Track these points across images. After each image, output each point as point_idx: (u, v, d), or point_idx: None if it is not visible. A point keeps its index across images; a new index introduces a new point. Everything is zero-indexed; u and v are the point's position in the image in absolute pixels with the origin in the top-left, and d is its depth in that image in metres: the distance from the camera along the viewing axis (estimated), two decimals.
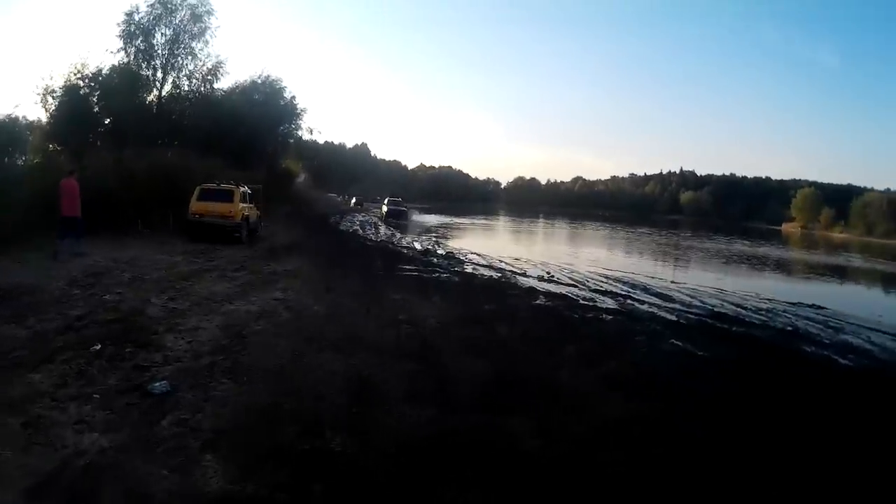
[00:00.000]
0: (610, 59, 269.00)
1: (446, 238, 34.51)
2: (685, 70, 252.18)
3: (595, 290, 15.78)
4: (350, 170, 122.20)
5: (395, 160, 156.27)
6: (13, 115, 28.09)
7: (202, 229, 19.06)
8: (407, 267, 17.53)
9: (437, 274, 16.65)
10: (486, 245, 30.81)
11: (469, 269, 18.64)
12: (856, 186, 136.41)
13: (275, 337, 8.31)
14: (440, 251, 23.68)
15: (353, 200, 73.61)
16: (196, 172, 22.71)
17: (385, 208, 53.16)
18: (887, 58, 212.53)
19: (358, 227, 35.26)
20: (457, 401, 6.32)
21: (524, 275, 18.16)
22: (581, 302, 13.64)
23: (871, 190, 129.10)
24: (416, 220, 54.07)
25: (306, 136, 46.53)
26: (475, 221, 62.96)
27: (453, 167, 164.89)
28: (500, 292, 14.28)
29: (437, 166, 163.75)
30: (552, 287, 15.86)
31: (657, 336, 10.62)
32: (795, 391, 8.08)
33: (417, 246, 25.09)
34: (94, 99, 31.03)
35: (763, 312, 14.71)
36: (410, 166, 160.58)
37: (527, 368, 7.72)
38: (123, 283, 11.16)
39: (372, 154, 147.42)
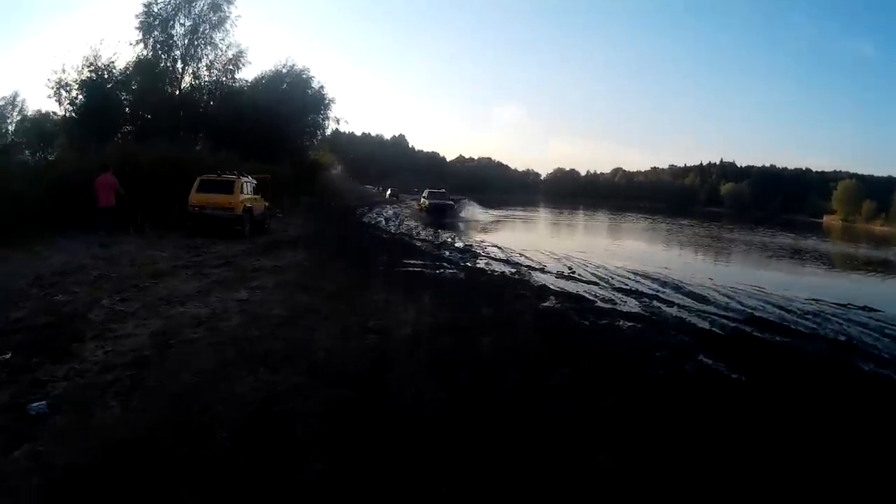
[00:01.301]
0: (649, 51, 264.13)
1: (473, 230, 32.83)
2: (724, 62, 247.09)
3: (618, 289, 13.85)
4: (387, 162, 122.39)
5: (433, 152, 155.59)
6: (44, 112, 28.79)
7: (202, 222, 18.37)
8: (412, 262, 16.08)
9: (442, 270, 15.09)
10: (513, 238, 29.07)
11: (482, 263, 16.96)
12: None
13: (206, 348, 7.08)
14: (458, 244, 22.08)
15: (388, 192, 74.09)
16: (209, 164, 22.01)
17: (425, 202, 42.89)
18: None
19: (382, 220, 33.91)
20: (375, 455, 4.71)
21: (542, 270, 16.31)
22: (597, 304, 11.74)
23: None
24: (466, 216, 43.75)
25: (334, 127, 46.20)
26: (512, 213, 59.95)
27: (493, 159, 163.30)
28: (506, 292, 12.56)
29: (476, 158, 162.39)
30: (569, 285, 14.02)
31: (682, 351, 8.65)
32: (860, 432, 6.21)
33: (436, 239, 23.53)
34: (115, 93, 31.08)
35: (810, 317, 12.66)
36: (449, 158, 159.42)
37: (496, 401, 5.96)
38: (86, 283, 10.42)
39: (410, 146, 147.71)
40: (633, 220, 63.37)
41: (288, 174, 35.08)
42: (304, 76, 40.35)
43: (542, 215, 63.01)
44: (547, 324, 9.80)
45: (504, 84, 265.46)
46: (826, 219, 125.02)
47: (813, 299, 15.29)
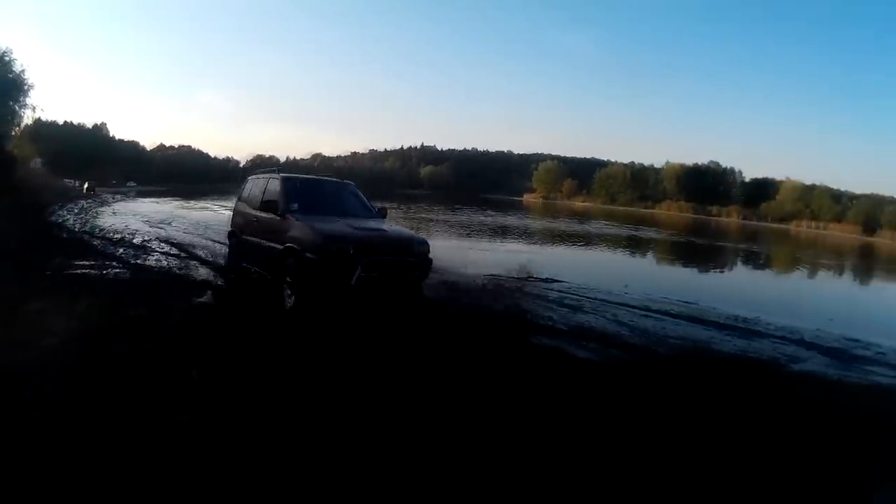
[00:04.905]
0: (349, 37, 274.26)
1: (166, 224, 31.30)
2: (428, 50, 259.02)
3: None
4: (88, 152, 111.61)
5: (133, 141, 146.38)
6: None
7: None
8: (82, 262, 15.51)
9: (109, 269, 14.84)
10: (205, 232, 28.08)
11: (152, 260, 16.95)
12: (599, 160, 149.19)
13: None
14: (137, 240, 21.46)
15: (85, 186, 69.65)
16: None
17: (307, 227, 10.81)
18: (635, 38, 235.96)
19: (70, 218, 31.55)
20: None
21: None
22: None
23: (615, 163, 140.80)
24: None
25: (32, 115, 41.31)
26: (207, 205, 56.20)
27: (193, 146, 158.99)
28: (163, 289, 12.56)
29: (176, 146, 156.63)
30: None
31: None
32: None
33: (116, 236, 22.52)
34: None
35: (488, 294, 12.69)
36: (150, 147, 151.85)
37: None
38: None
39: (111, 135, 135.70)
40: None
41: None
42: (7, 59, 38.56)
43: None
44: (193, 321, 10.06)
45: (204, 68, 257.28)
46: (526, 197, 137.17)
47: (491, 275, 15.57)
